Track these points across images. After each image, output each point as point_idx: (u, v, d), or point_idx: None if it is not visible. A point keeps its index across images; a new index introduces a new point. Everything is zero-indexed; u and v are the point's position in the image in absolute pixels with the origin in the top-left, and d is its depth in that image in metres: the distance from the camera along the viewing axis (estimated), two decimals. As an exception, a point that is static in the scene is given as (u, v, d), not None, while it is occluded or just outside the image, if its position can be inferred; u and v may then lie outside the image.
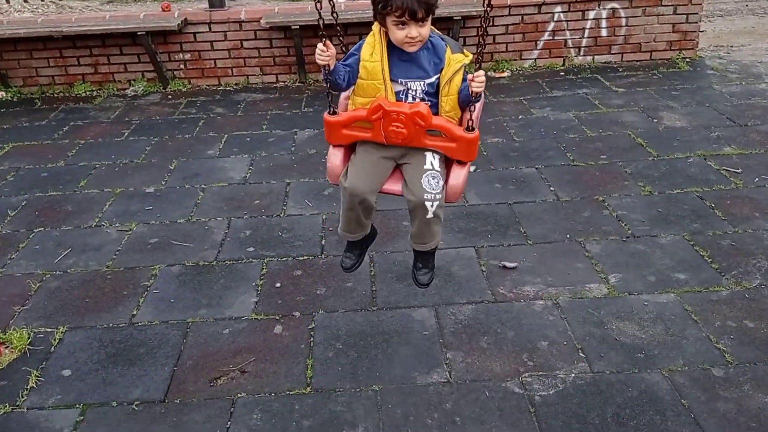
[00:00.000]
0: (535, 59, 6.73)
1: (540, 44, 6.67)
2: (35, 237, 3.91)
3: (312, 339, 2.97)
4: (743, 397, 2.57)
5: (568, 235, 3.70)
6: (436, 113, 2.41)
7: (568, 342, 2.90)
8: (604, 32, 6.65)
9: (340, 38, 2.47)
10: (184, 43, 6.46)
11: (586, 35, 6.65)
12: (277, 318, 3.12)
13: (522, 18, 6.53)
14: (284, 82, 6.63)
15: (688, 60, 6.65)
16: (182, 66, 6.56)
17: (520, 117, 5.46)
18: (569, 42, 6.68)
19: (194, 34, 6.43)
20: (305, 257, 3.59)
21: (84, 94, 6.50)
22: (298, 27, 6.10)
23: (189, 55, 6.51)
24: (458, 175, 2.50)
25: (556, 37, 6.64)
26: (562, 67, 6.68)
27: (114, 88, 6.58)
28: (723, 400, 2.56)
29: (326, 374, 2.76)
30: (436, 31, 2.44)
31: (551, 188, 4.24)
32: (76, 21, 6.32)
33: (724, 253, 3.48)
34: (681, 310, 3.07)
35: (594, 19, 6.58)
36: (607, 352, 2.83)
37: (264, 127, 5.50)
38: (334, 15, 2.34)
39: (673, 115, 5.34)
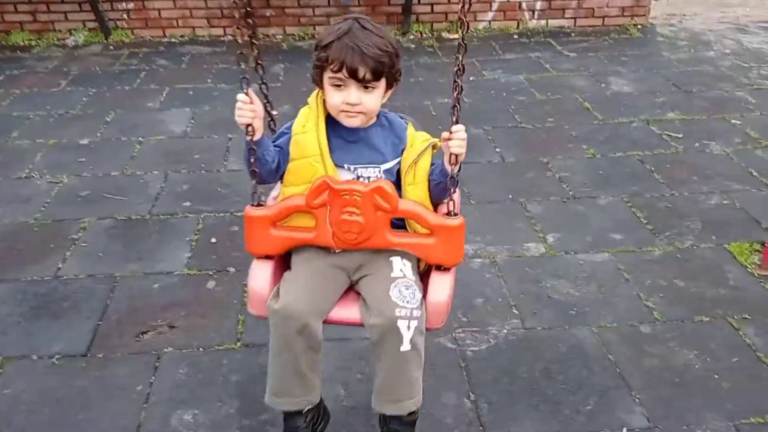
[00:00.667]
0: (489, 21, 6.67)
1: (494, 6, 6.60)
2: (-40, 188, 3.74)
3: (245, 295, 2.90)
4: (668, 354, 2.62)
5: (510, 196, 3.70)
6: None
7: (503, 299, 2.91)
8: (558, -5, 6.61)
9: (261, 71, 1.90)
10: (127, -8, 6.21)
11: (540, -2, 6.61)
12: (211, 273, 3.05)
13: None
14: (232, 35, 6.44)
15: (639, 27, 6.68)
16: (125, 16, 6.30)
17: (471, 78, 5.41)
18: (524, 5, 6.63)
19: (138, -19, 6.18)
20: (243, 213, 3.50)
21: (22, 43, 6.20)
22: (246, -21, 5.89)
23: (132, 4, 6.25)
24: (441, 286, 1.82)
25: (511, 0, 6.59)
26: (516, 30, 6.64)
27: (54, 38, 6.29)
28: (649, 355, 2.61)
29: (257, 330, 2.71)
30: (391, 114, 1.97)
31: (497, 149, 4.23)
32: (10, -36, 5.99)
33: (660, 214, 3.52)
34: (614, 269, 3.10)
35: (549, -18, 6.53)
36: (540, 309, 2.85)
37: (209, 80, 5.34)
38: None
39: (620, 80, 5.37)
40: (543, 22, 6.72)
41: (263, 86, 1.92)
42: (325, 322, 1.85)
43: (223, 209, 3.54)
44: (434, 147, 1.89)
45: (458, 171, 1.77)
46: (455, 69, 1.72)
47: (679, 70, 5.55)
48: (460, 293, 2.89)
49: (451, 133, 1.75)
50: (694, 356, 2.60)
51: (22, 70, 5.56)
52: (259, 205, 1.83)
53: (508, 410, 2.36)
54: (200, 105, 4.85)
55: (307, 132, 1.82)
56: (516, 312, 2.83)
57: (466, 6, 1.67)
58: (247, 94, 1.74)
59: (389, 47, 1.78)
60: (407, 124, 1.94)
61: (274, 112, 2.02)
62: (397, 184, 1.85)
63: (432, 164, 1.88)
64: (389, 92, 1.86)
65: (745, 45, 6.22)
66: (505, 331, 2.73)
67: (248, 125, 1.76)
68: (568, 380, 2.49)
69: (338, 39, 1.74)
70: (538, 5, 6.64)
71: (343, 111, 1.79)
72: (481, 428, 2.29)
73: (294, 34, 6.37)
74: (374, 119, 1.90)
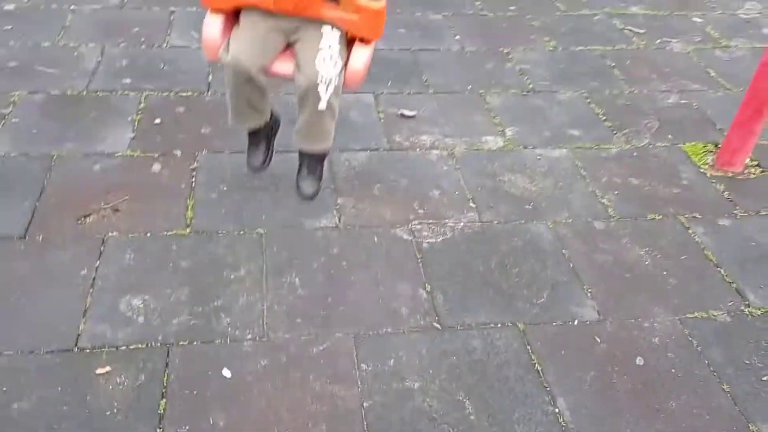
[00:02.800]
0: None
1: None
2: None
3: (194, 179, 2.77)
4: (620, 250, 2.66)
5: (469, 87, 3.59)
6: None
7: (460, 192, 2.86)
8: None
9: None
10: None
11: None
12: (156, 156, 2.88)
13: None
14: None
15: None
16: None
17: (430, -40, 5.12)
18: None
19: None
20: (189, 93, 3.29)
21: None
22: None
23: None
24: (360, 55, 2.14)
25: None
26: None
27: None
28: (601, 251, 2.64)
29: (208, 216, 2.60)
30: None
31: (457, 37, 4.06)
32: None
33: (618, 111, 3.49)
34: (571, 165, 3.08)
35: None
36: (497, 203, 2.82)
37: (146, -54, 4.87)
38: None
39: (585, -30, 5.17)
40: None
41: None
42: (266, 74, 2.18)
43: (166, 88, 3.31)
44: None
45: None
46: None
47: (644, -37, 5.38)
48: (417, 185, 2.85)
49: None
50: (644, 253, 2.64)
51: None
52: None
53: (463, 301, 2.37)
54: (138, -27, 4.44)
55: None
56: (473, 205, 2.80)
57: None
58: None
59: None
60: None
61: None
62: None
63: None
64: None
65: (710, -60, 6.06)
66: (462, 224, 2.70)
67: None
68: (523, 273, 2.50)
69: None
70: None
71: None
72: (436, 318, 2.30)
73: None
74: None
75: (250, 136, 2.45)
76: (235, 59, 2.06)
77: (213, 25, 2.13)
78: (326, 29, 2.09)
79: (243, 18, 2.14)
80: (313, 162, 2.41)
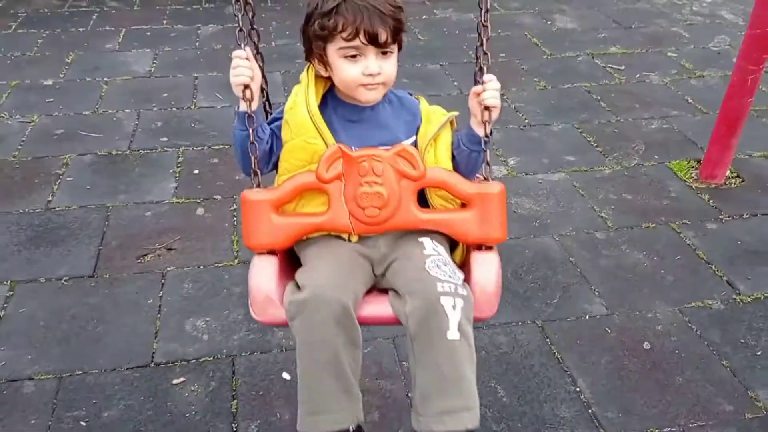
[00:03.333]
0: (436, -38, 6.79)
1: (441, -53, 6.72)
2: (-72, 129, 3.73)
3: (235, 219, 3.10)
4: (621, 255, 2.97)
5: (471, 125, 3.96)
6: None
7: (473, 215, 3.19)
8: (502, -63, 6.78)
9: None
10: (70, -68, 6.03)
11: (485, -61, 6.76)
12: (198, 201, 3.21)
13: None
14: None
15: (579, -33, 6.95)
16: (69, -43, 6.13)
17: (423, 17, 5.59)
18: (469, -55, 6.79)
19: None
20: (221, 146, 3.65)
21: (-42, -15, 5.99)
22: None
23: (76, -56, 6.09)
24: (488, 268, 1.50)
25: (456, -60, 6.72)
26: (463, -29, 6.80)
27: (-7, -21, 6.09)
28: (604, 257, 2.95)
29: (252, 248, 2.92)
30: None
31: (455, 83, 4.47)
32: None
33: (608, 138, 3.86)
34: (570, 187, 3.42)
35: None
36: (507, 222, 3.14)
37: (164, 21, 5.34)
38: None
39: (565, 17, 5.65)
40: (487, -37, 6.89)
41: (259, 51, 1.61)
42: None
43: (200, 143, 3.67)
44: (452, 123, 1.67)
45: (491, 132, 1.55)
46: (479, 21, 1.63)
47: (619, 8, 5.87)
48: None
49: (483, 83, 1.55)
50: (642, 256, 2.96)
51: (-35, 13, 5.41)
52: (258, 186, 1.52)
53: (487, 306, 2.66)
54: (160, 46, 4.88)
55: (296, 107, 1.53)
56: (486, 225, 3.12)
57: None
58: (245, 49, 1.50)
59: (399, 4, 1.53)
60: (419, 100, 1.70)
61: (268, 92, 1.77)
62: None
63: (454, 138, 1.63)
64: (397, 52, 1.58)
65: (677, -16, 6.59)
66: (478, 241, 3.02)
67: (246, 86, 1.49)
68: (536, 280, 2.81)
69: (344, 1, 1.47)
70: (483, -54, 6.79)
71: (362, 84, 1.52)
72: (464, 321, 2.59)
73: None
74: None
75: None
76: (318, 291, 1.41)
77: (264, 270, 1.50)
78: (426, 240, 1.52)
79: (308, 252, 1.57)
80: None
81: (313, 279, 1.44)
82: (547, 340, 2.51)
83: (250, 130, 1.49)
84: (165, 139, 3.70)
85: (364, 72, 1.51)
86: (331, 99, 1.61)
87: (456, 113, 1.67)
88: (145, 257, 2.84)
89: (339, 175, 1.44)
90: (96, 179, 3.33)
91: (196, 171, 3.43)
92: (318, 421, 1.44)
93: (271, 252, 1.54)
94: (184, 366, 2.35)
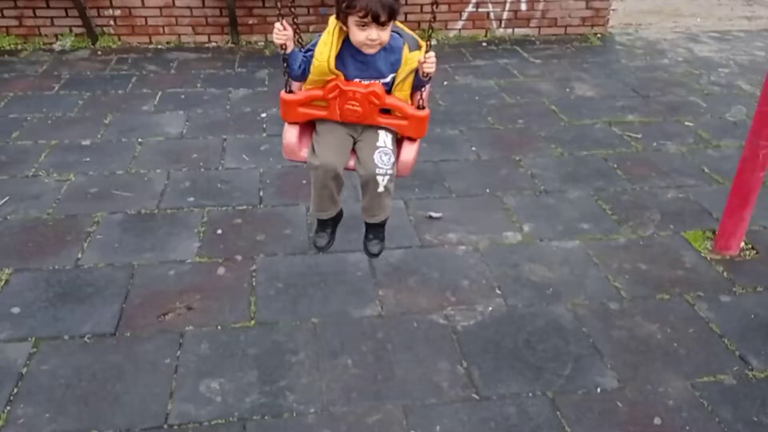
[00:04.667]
0: (460, 30, 7.04)
1: (464, 15, 6.98)
2: (-30, 186, 3.93)
3: (254, 279, 3.19)
4: (635, 326, 2.99)
5: (487, 190, 4.05)
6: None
7: (487, 281, 3.24)
8: (523, 6, 7.02)
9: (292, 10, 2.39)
10: (114, -1, 6.40)
11: (507, 9, 7.01)
12: (220, 261, 3.32)
13: (448, -11, 6.81)
14: (216, 42, 6.68)
15: (599, 36, 7.13)
16: (112, 22, 6.49)
17: (444, 83, 5.76)
18: (492, 15, 7.02)
19: (124, -11, 6.38)
20: (244, 207, 3.78)
21: (8, 48, 6.34)
22: (231, -13, 6.17)
23: (119, 11, 6.45)
24: (409, 150, 2.57)
25: (479, 9, 6.96)
26: (485, 38, 7.02)
27: (40, 43, 6.44)
28: (617, 328, 2.97)
29: (269, 309, 3.00)
30: (398, 24, 2.44)
31: (473, 148, 4.58)
32: (-2, -30, 6.14)
33: (623, 206, 3.91)
34: (584, 255, 3.46)
35: (516, -7, 6.94)
36: (520, 289, 3.20)
37: (198, 85, 5.58)
38: None
39: (583, 85, 5.78)
40: (509, 30, 7.12)
41: (296, 21, 2.44)
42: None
43: (225, 203, 3.81)
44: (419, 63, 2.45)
45: (428, 80, 2.45)
46: (429, 19, 2.34)
47: (637, 77, 5.99)
48: (448, 276, 3.24)
49: (425, 57, 2.36)
50: (656, 328, 2.97)
51: (12, 74, 5.71)
52: (290, 92, 2.48)
53: (497, 375, 2.70)
54: (193, 108, 5.10)
55: (323, 62, 2.37)
56: (499, 292, 3.17)
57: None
58: (282, 23, 2.31)
59: None
60: (404, 44, 2.44)
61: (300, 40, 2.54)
62: (390, 89, 2.47)
63: (415, 76, 2.46)
64: (392, 22, 2.38)
65: (696, 53, 6.71)
66: (490, 308, 3.07)
67: (282, 44, 2.34)
68: (548, 349, 2.84)
69: None
70: (505, 15, 7.04)
71: (365, 44, 2.33)
72: (474, 389, 2.62)
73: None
74: None
75: (320, 223, 2.81)
76: (325, 162, 2.48)
77: (290, 133, 2.57)
78: (381, 132, 2.53)
79: (319, 126, 2.56)
80: (376, 229, 2.79)
81: (322, 153, 2.50)
82: (558, 413, 2.53)
83: (285, 64, 2.40)
84: (192, 198, 3.85)
85: (368, 37, 2.30)
86: (347, 44, 2.39)
87: (419, 61, 2.38)
88: (166, 316, 2.94)
89: (335, 96, 2.40)
90: (124, 237, 3.47)
91: (220, 231, 3.55)
92: (320, 214, 2.71)
93: (294, 123, 2.55)
94: (196, 428, 2.41)
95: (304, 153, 2.58)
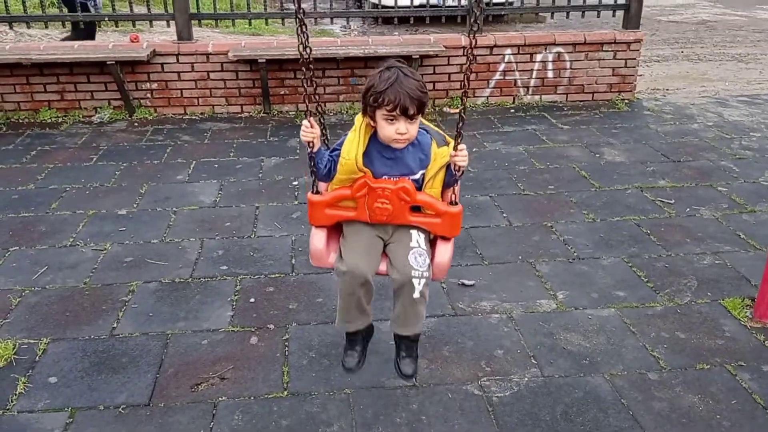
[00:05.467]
0: (487, 97, 7.17)
1: (492, 83, 7.12)
2: (11, 256, 4.02)
3: (287, 348, 3.19)
4: (675, 397, 2.90)
5: (520, 257, 4.03)
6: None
7: (521, 350, 3.19)
8: (550, 74, 7.14)
9: (313, 76, 2.40)
10: (152, 73, 6.66)
11: (534, 76, 7.14)
12: (253, 330, 3.33)
13: (475, 58, 6.89)
14: (249, 112, 6.88)
15: (626, 101, 7.20)
16: (149, 95, 6.74)
17: (474, 150, 5.83)
18: (518, 82, 7.15)
19: (162, 64, 6.64)
20: (277, 275, 3.81)
21: (50, 120, 6.61)
22: (264, 60, 6.38)
23: (156, 84, 6.71)
24: (444, 250, 2.48)
25: (506, 77, 7.10)
26: (512, 105, 7.13)
27: (80, 115, 6.71)
28: (658, 399, 2.89)
29: (301, 379, 2.98)
30: (424, 121, 2.47)
31: (504, 215, 4.59)
32: (44, 49, 6.46)
33: (659, 273, 3.86)
34: (620, 323, 3.40)
35: (541, 61, 7.07)
36: (556, 359, 3.14)
37: (231, 154, 5.72)
38: (306, 51, 2.32)
39: (613, 150, 5.81)
40: (537, 97, 7.23)
41: (322, 121, 2.53)
42: None
43: (257, 272, 3.84)
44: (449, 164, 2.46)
45: (460, 175, 2.43)
46: (459, 110, 2.35)
47: (667, 142, 6.01)
48: (482, 345, 3.20)
49: (456, 151, 2.36)
50: (698, 399, 2.88)
51: (53, 146, 5.93)
52: (317, 192, 2.49)
53: (535, 449, 2.62)
54: (226, 177, 5.22)
55: (350, 160, 2.38)
56: (534, 361, 3.12)
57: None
58: (309, 122, 2.36)
59: (425, 89, 2.34)
60: (432, 140, 2.45)
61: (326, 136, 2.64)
62: (420, 187, 2.45)
63: (447, 171, 2.45)
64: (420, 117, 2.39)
65: (726, 117, 6.72)
66: (526, 378, 3.01)
67: (309, 142, 2.39)
68: (586, 422, 2.76)
69: (390, 86, 2.27)
70: (532, 82, 7.16)
71: (394, 139, 2.33)
72: (512, 465, 2.55)
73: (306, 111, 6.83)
74: None
75: (349, 339, 2.67)
76: (354, 267, 2.36)
77: (318, 238, 2.49)
78: (414, 232, 2.44)
79: (347, 229, 2.49)
80: (409, 345, 2.62)
81: (349, 258, 2.41)
82: (598, 488, 2.44)
83: (312, 163, 2.43)
84: (225, 267, 3.90)
85: (397, 131, 2.30)
86: (374, 141, 2.40)
87: (449, 157, 2.38)
88: (199, 386, 2.93)
89: (364, 195, 2.38)
90: (159, 306, 3.50)
91: (252, 299, 3.57)
92: (347, 325, 2.59)
93: (322, 226, 2.50)
94: (229, 502, 2.37)
95: (332, 258, 2.49)
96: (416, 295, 2.39)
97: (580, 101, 7.23)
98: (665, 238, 4.25)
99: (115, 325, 3.35)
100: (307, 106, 2.38)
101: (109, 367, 3.04)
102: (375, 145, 2.40)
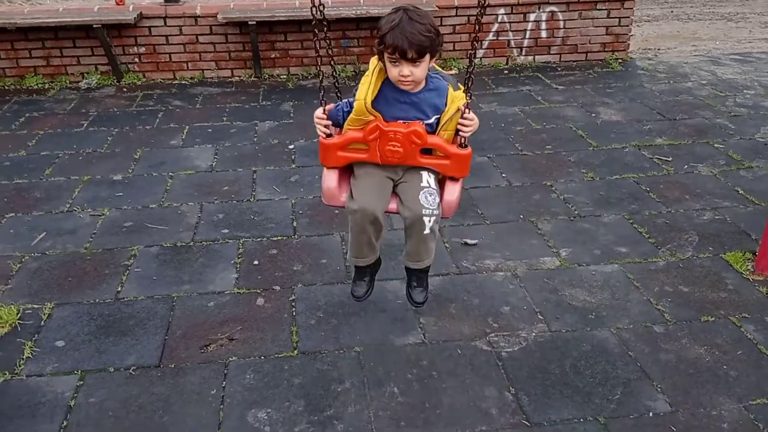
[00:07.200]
0: (481, 58, 7.10)
1: (485, 44, 7.04)
2: (7, 222, 3.96)
3: (294, 309, 3.18)
4: (682, 349, 2.94)
5: (521, 216, 4.03)
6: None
7: (528, 307, 3.21)
8: (543, 34, 7.08)
9: (326, 35, 2.43)
10: (139, 37, 6.52)
11: (527, 36, 7.07)
12: (259, 292, 3.31)
13: (468, 19, 6.89)
14: (239, 76, 6.77)
15: (620, 61, 7.16)
16: (137, 59, 6.61)
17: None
18: (512, 42, 7.08)
19: (149, 28, 6.50)
20: (279, 237, 3.79)
21: (36, 87, 6.47)
22: (254, 23, 6.26)
23: (144, 48, 6.57)
24: (453, 190, 2.55)
25: (499, 38, 7.03)
26: (506, 66, 7.08)
27: (67, 81, 6.57)
28: (664, 351, 2.92)
29: (310, 339, 2.98)
30: (437, 66, 2.49)
31: (503, 175, 4.58)
32: (29, 13, 6.30)
33: (660, 229, 3.88)
34: (624, 278, 3.43)
35: (534, 21, 7.00)
36: (562, 314, 3.16)
37: (224, 119, 5.64)
38: (320, 9, 2.33)
39: (608, 110, 5.79)
40: (530, 57, 7.17)
41: (337, 85, 2.62)
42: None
43: (259, 235, 3.81)
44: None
45: (465, 140, 2.49)
46: (467, 78, 2.41)
47: (662, 100, 6.00)
48: (488, 303, 3.21)
49: (465, 119, 2.44)
50: (704, 350, 2.92)
51: (42, 112, 5.81)
52: (329, 136, 2.51)
53: (546, 400, 2.65)
54: (221, 141, 5.15)
55: (361, 101, 2.39)
56: (541, 317, 3.14)
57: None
58: (324, 112, 2.46)
59: (430, 32, 2.29)
60: (448, 86, 2.45)
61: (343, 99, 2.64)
62: (434, 131, 2.46)
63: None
64: (434, 60, 2.39)
65: (720, 76, 6.72)
66: (534, 333, 3.03)
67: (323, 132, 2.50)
68: (596, 374, 2.79)
69: (392, 30, 2.28)
70: (525, 42, 7.10)
71: (399, 81, 2.35)
72: (524, 416, 2.57)
73: (297, 74, 6.74)
74: (424, 84, 2.43)
75: (358, 271, 2.78)
76: (364, 206, 2.44)
77: (330, 178, 2.56)
78: (424, 173, 2.51)
79: (357, 170, 2.55)
80: (420, 275, 2.76)
81: (360, 196, 2.48)
82: (611, 437, 2.48)
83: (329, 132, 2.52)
84: (226, 230, 3.86)
85: (399, 74, 2.32)
86: (388, 82, 2.40)
87: (464, 103, 2.43)
88: (208, 347, 2.92)
89: (376, 138, 2.40)
90: (162, 270, 3.48)
91: (256, 262, 3.55)
92: (357, 260, 2.69)
93: (334, 167, 2.55)
94: (247, 458, 2.38)
95: (344, 198, 2.56)
96: (427, 231, 2.49)
97: (574, 61, 7.18)
98: (665, 195, 4.27)
99: (119, 288, 3.32)
100: (322, 96, 2.45)
101: (116, 330, 3.02)
102: (389, 88, 2.40)
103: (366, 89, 2.38)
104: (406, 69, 2.29)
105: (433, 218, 2.47)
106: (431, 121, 2.44)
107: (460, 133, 2.44)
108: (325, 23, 2.40)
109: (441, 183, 2.60)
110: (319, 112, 2.46)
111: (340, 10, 6.41)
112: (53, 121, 5.61)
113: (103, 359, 2.85)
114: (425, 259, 2.63)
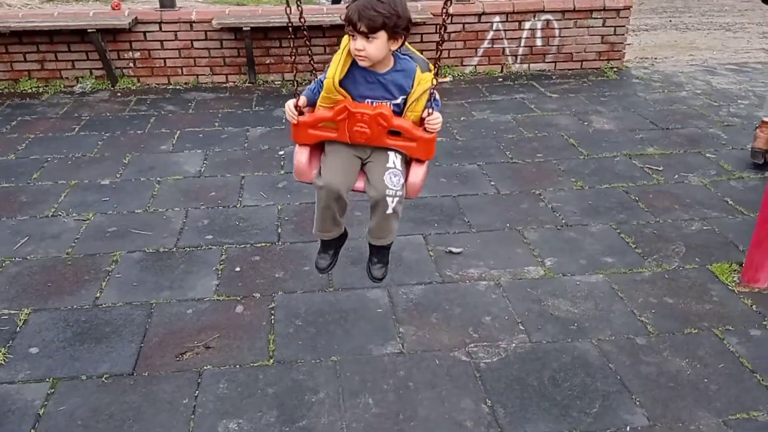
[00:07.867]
0: (475, 66, 7.08)
1: (480, 52, 7.03)
2: (-9, 226, 3.95)
3: (273, 317, 3.15)
4: (663, 362, 2.90)
5: (508, 224, 4.00)
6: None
7: (509, 317, 3.18)
8: (539, 42, 7.06)
9: (308, 44, 2.47)
10: (134, 42, 6.52)
11: (522, 44, 7.05)
12: (238, 299, 3.29)
13: (463, 26, 6.87)
14: (234, 82, 6.77)
15: (615, 69, 7.14)
16: (131, 64, 6.61)
17: (462, 119, 5.77)
18: (507, 50, 7.06)
19: (144, 33, 6.50)
20: (263, 244, 3.76)
21: (30, 90, 6.47)
22: (249, 29, 6.26)
23: (138, 53, 6.57)
24: (417, 172, 2.60)
25: (494, 46, 7.01)
26: (501, 74, 7.06)
27: (61, 85, 6.57)
28: (645, 364, 2.88)
29: (288, 348, 2.95)
30: (410, 48, 2.51)
31: (492, 183, 4.55)
32: (24, 17, 6.30)
33: (647, 239, 3.84)
34: (609, 289, 3.39)
35: (530, 29, 6.98)
36: (543, 324, 3.12)
37: (216, 124, 5.63)
38: (302, 20, 2.38)
39: (601, 119, 5.76)
40: (525, 65, 7.15)
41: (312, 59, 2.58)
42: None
43: (243, 241, 3.79)
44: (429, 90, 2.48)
45: (437, 106, 2.48)
46: (434, 70, 2.40)
47: (655, 109, 5.97)
48: (470, 312, 3.18)
49: (429, 122, 2.46)
50: (685, 363, 2.88)
51: (34, 116, 5.81)
52: (300, 114, 2.54)
53: (522, 413, 2.62)
54: (211, 147, 5.13)
55: (329, 79, 2.41)
56: (522, 327, 3.10)
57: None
58: (296, 106, 2.50)
59: (386, 10, 2.30)
60: (416, 67, 2.47)
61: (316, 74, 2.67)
62: (401, 111, 2.50)
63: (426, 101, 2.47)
64: (396, 42, 2.39)
65: (714, 85, 6.69)
66: (514, 344, 2.99)
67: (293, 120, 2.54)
68: (574, 387, 2.75)
69: (352, 2, 2.33)
70: (520, 50, 7.08)
71: (355, 55, 2.36)
72: (499, 429, 2.54)
73: (291, 81, 6.72)
74: (392, 64, 2.46)
75: (323, 244, 2.86)
76: (329, 183, 2.52)
77: (301, 155, 2.63)
78: (391, 154, 2.57)
79: (328, 148, 2.61)
80: (381, 252, 2.83)
81: (327, 175, 2.54)
82: (586, 451, 2.44)
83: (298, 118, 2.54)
84: (210, 236, 3.84)
85: (354, 47, 2.33)
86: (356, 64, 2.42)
87: (431, 85, 2.41)
88: (184, 355, 2.90)
89: (344, 119, 2.44)
90: (143, 276, 3.45)
91: (238, 268, 3.53)
92: (322, 234, 2.76)
93: (305, 144, 2.62)
94: (215, 469, 2.35)
95: (314, 174, 2.63)
96: (389, 211, 2.57)
97: (569, 70, 7.16)
98: (653, 205, 4.23)
99: (98, 294, 3.30)
100: (295, 89, 2.47)
101: (91, 337, 3.00)
102: (358, 67, 2.43)
103: (335, 67, 2.41)
104: (359, 43, 2.31)
105: (396, 199, 2.54)
106: (398, 101, 2.47)
107: (427, 127, 2.48)
108: (304, 30, 2.43)
109: (408, 165, 2.65)
110: (291, 103, 2.51)
111: (335, 17, 6.41)
112: (45, 125, 5.61)
113: (76, 367, 2.82)
114: (387, 237, 2.71)
